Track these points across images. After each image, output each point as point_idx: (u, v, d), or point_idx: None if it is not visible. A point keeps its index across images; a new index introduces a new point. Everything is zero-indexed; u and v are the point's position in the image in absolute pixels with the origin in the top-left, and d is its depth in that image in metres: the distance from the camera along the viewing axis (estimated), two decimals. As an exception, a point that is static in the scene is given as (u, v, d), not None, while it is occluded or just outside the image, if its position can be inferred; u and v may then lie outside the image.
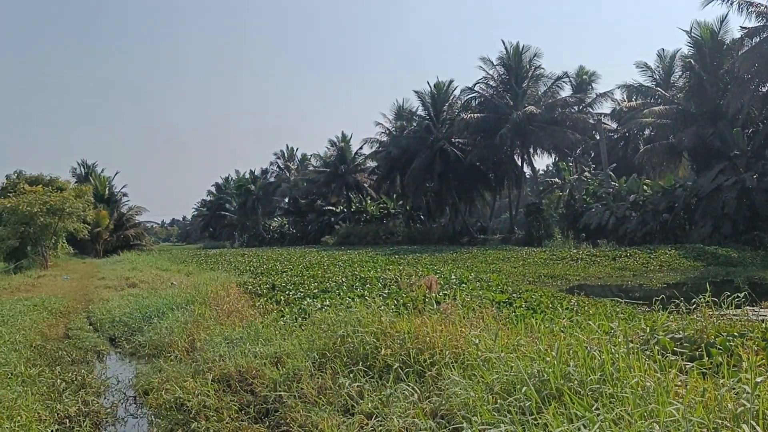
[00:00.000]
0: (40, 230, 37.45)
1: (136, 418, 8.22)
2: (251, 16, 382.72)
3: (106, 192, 71.44)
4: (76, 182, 63.26)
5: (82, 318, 16.83)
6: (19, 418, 6.94)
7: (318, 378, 7.33)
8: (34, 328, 14.14)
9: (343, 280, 17.87)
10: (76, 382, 9.32)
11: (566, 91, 56.84)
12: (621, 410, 4.50)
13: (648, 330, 7.09)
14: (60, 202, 37.72)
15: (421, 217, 68.18)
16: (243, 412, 7.41)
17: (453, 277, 18.11)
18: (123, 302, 17.51)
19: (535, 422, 4.72)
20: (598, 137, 56.64)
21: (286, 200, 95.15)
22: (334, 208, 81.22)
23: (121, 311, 15.88)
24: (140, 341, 12.42)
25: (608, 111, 61.01)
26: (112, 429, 7.78)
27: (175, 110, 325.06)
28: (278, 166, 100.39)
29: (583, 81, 61.12)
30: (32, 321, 14.86)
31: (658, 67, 54.71)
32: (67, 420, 7.68)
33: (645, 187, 44.50)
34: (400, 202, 71.72)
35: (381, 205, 75.26)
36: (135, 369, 10.65)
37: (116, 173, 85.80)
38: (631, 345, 5.95)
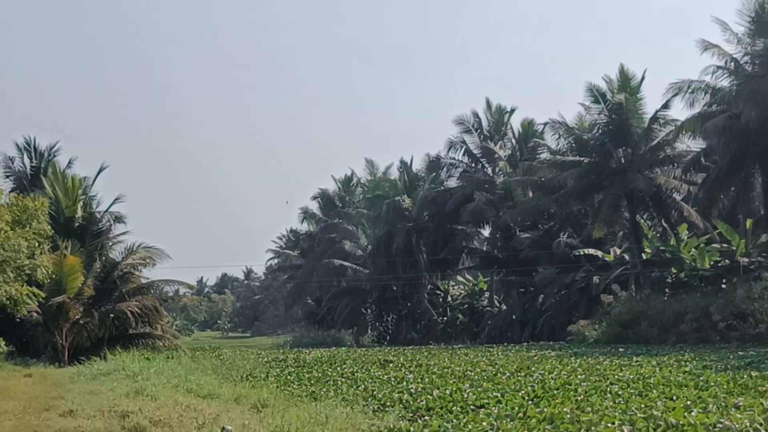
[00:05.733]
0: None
1: None
2: None
3: (79, 211, 33.15)
4: (13, 189, 33.01)
5: None
6: None
7: None
8: None
9: None
10: None
11: None
12: None
13: None
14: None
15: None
16: None
17: None
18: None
19: None
20: None
21: (487, 231, 47.80)
22: (597, 253, 38.86)
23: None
24: None
25: None
26: None
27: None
28: (466, 151, 46.96)
29: None
30: None
31: None
32: None
33: None
34: (765, 238, 32.48)
35: (715, 245, 33.32)
36: None
37: (101, 169, 36.48)
38: None
